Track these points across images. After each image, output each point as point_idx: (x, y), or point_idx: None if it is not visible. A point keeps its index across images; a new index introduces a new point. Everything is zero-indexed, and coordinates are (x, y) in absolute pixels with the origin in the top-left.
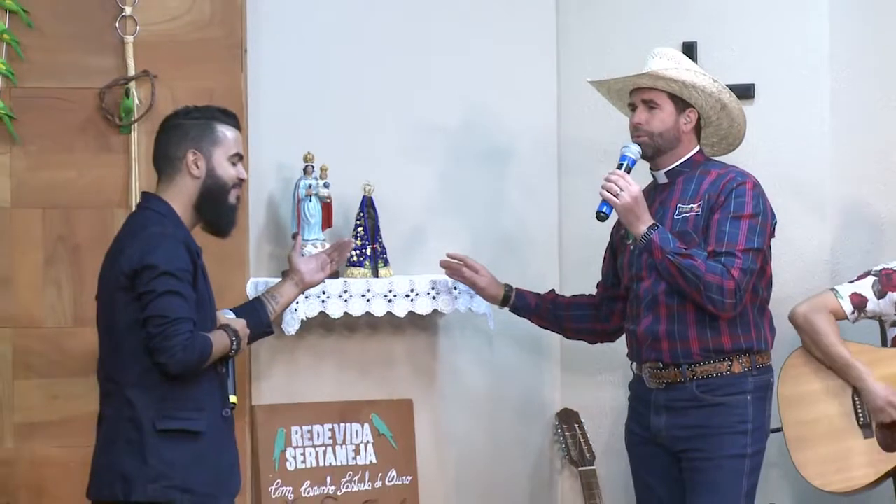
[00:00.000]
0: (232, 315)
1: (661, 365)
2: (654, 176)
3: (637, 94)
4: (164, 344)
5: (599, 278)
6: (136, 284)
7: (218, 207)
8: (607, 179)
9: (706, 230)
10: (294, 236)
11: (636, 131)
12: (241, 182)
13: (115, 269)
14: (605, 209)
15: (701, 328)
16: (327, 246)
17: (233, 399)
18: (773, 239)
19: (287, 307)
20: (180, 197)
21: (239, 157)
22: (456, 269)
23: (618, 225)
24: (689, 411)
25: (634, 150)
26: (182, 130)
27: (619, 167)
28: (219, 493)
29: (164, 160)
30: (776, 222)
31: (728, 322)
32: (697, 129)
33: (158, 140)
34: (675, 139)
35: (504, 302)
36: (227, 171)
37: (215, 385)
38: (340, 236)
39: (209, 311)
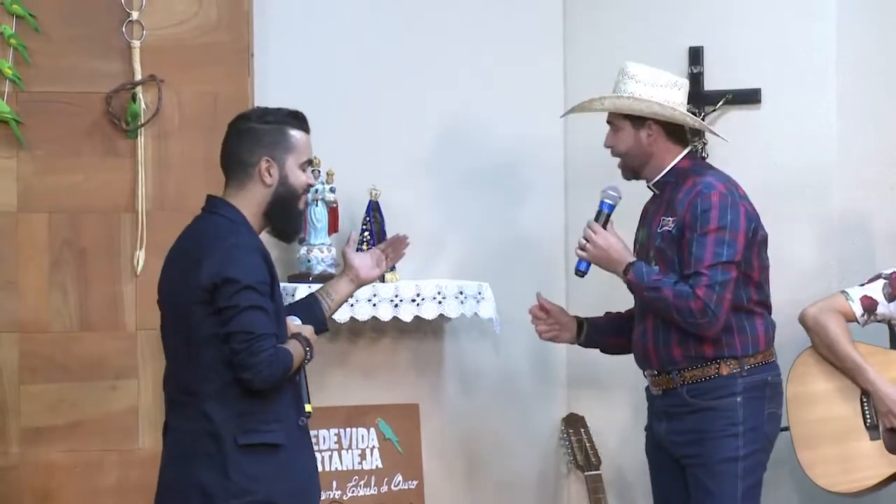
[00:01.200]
0: (298, 321)
1: (656, 373)
2: (650, 189)
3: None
4: (249, 360)
5: (604, 288)
6: (216, 298)
7: (288, 215)
8: (582, 235)
9: (679, 251)
10: (355, 234)
11: (611, 152)
12: (309, 188)
13: (192, 282)
14: (581, 266)
15: (683, 338)
16: (333, 251)
17: (308, 408)
18: (759, 239)
19: (342, 304)
20: (250, 203)
21: (309, 163)
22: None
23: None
24: (685, 416)
25: (611, 194)
26: (255, 136)
27: (597, 216)
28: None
29: (236, 165)
30: (755, 225)
31: None
32: (677, 134)
33: (229, 143)
34: (644, 154)
35: (578, 331)
36: (298, 179)
37: (290, 395)
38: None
39: (283, 319)
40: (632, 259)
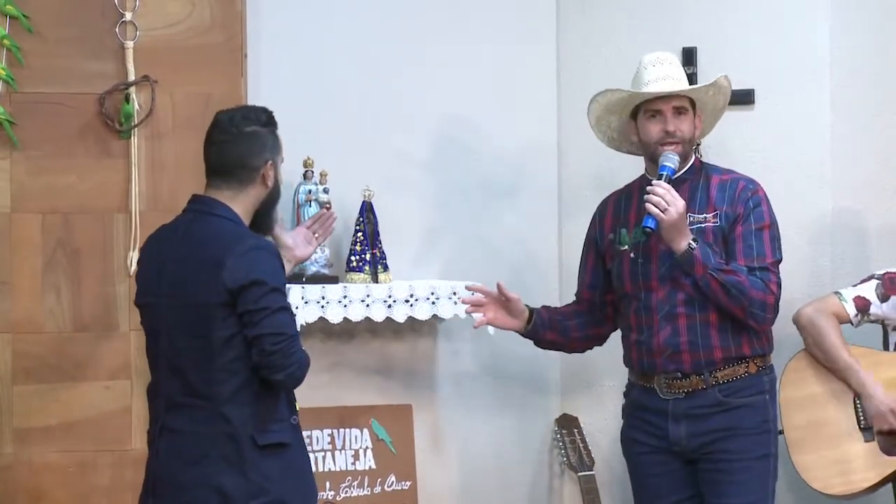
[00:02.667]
0: None
1: (681, 375)
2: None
3: (665, 102)
4: (283, 361)
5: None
6: (240, 300)
7: (273, 214)
8: (653, 192)
9: (726, 243)
10: (282, 215)
11: (670, 138)
12: None
13: (214, 284)
14: (651, 224)
15: (724, 337)
16: (327, 252)
17: (297, 406)
18: None
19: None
20: (245, 205)
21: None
22: (477, 304)
23: (603, 229)
24: (713, 416)
25: (672, 157)
26: (261, 140)
27: (660, 178)
28: (306, 502)
29: (240, 168)
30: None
31: (748, 329)
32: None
33: (234, 147)
34: (692, 144)
35: (528, 322)
36: (281, 179)
37: (285, 395)
38: (340, 242)
39: None
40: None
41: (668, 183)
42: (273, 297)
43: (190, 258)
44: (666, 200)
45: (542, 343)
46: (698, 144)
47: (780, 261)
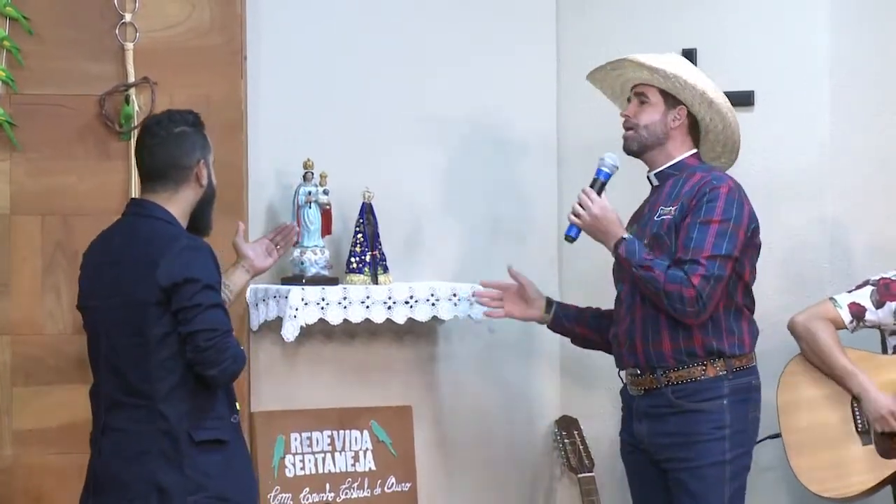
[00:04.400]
0: None
1: (639, 371)
2: (648, 179)
3: (634, 90)
4: (217, 357)
5: (598, 284)
6: (174, 298)
7: (209, 214)
8: (576, 201)
9: (677, 234)
10: (243, 225)
11: (625, 123)
12: None
13: (148, 283)
14: (571, 232)
15: (673, 331)
16: (326, 253)
17: (237, 406)
18: (755, 243)
19: (240, 294)
20: (181, 205)
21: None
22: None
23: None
24: (668, 418)
25: (608, 163)
26: (191, 140)
27: (593, 184)
28: (246, 500)
29: (172, 169)
30: (755, 227)
31: (700, 326)
32: (694, 133)
33: (165, 148)
34: (661, 135)
35: (546, 310)
36: (214, 178)
37: (224, 393)
38: (340, 243)
39: None
40: (625, 234)
41: (602, 186)
42: (206, 294)
43: (125, 260)
44: (582, 204)
45: (577, 339)
46: None
47: (724, 255)
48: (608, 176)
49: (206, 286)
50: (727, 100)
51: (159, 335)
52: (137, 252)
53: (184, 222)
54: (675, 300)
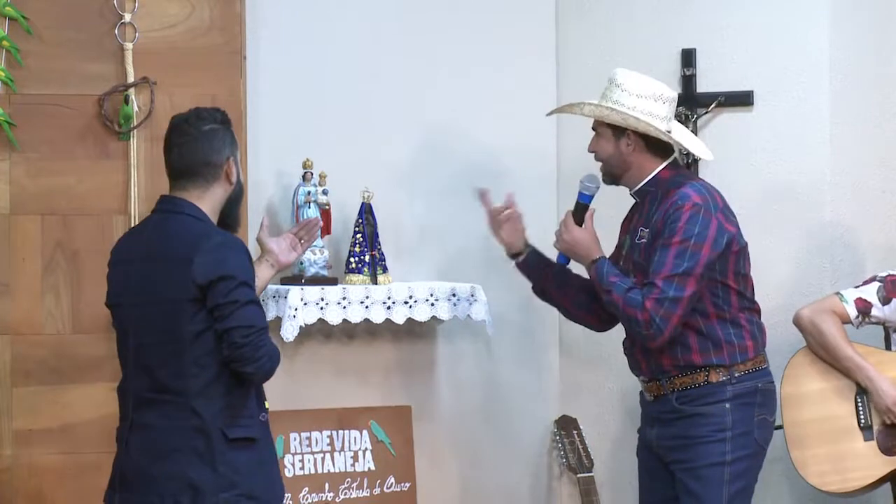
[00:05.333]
0: None
1: (647, 379)
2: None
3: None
4: (254, 354)
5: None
6: (210, 295)
7: (238, 211)
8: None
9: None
10: (267, 220)
11: (594, 156)
12: None
13: (183, 280)
14: (561, 259)
15: (671, 347)
16: (326, 253)
17: (266, 404)
18: (734, 251)
19: (264, 289)
20: (211, 203)
21: None
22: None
23: (622, 226)
24: (674, 422)
25: (588, 185)
26: (220, 137)
27: (575, 208)
28: (273, 498)
29: (202, 167)
30: (730, 237)
31: (697, 339)
32: (660, 145)
33: (194, 146)
34: (623, 163)
35: (520, 253)
36: (241, 175)
37: (255, 391)
38: (339, 243)
39: None
40: (598, 255)
41: (585, 207)
42: (242, 290)
43: (157, 257)
44: (560, 229)
45: (542, 294)
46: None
47: (682, 273)
48: (589, 198)
49: (242, 283)
50: (665, 100)
51: (194, 332)
52: (170, 249)
53: (214, 219)
54: (632, 324)
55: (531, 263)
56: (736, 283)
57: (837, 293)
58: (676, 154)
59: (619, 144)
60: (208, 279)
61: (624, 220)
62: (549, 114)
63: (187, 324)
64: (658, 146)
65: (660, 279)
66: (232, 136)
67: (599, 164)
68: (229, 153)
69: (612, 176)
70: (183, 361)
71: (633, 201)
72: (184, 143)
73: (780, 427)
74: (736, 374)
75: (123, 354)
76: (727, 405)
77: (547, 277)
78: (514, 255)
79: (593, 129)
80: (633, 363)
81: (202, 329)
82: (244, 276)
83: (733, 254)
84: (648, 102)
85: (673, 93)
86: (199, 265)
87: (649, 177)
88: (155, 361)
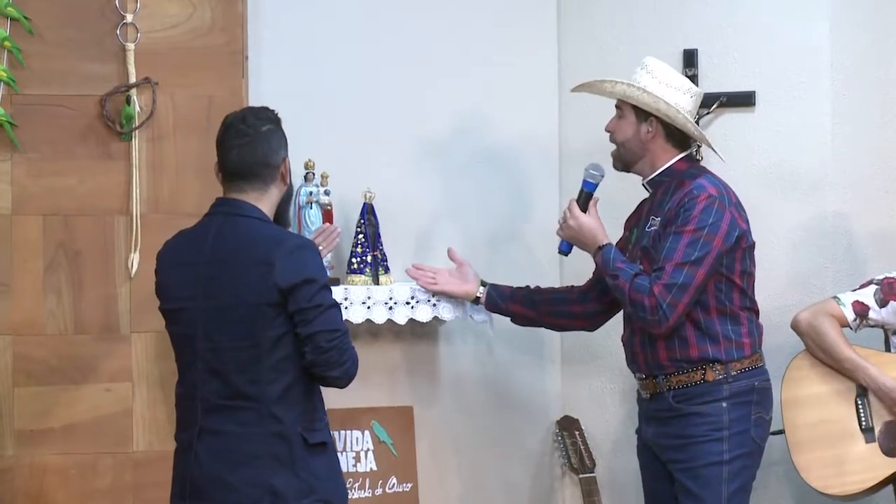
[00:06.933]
0: None
1: (644, 376)
2: (644, 186)
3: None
4: (339, 357)
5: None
6: (292, 299)
7: (288, 211)
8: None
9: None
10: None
11: (610, 137)
12: None
13: (265, 284)
14: (563, 247)
15: (669, 341)
16: (328, 255)
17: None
18: (742, 247)
19: None
20: (269, 204)
21: None
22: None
23: (627, 223)
24: (671, 421)
25: (593, 173)
26: (277, 137)
27: (579, 196)
28: (343, 502)
29: (263, 168)
30: (741, 233)
31: (695, 334)
32: (678, 136)
33: (254, 147)
34: (639, 149)
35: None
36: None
37: (320, 395)
38: (341, 244)
39: None
40: (604, 242)
41: (589, 196)
42: (324, 294)
43: (230, 260)
44: (564, 217)
45: (516, 318)
46: (699, 146)
47: (693, 262)
48: (593, 186)
49: (324, 286)
50: (692, 95)
51: (274, 337)
52: (244, 252)
53: (270, 219)
54: (638, 309)
55: (495, 296)
56: (740, 280)
57: (835, 297)
58: (693, 148)
59: (640, 129)
60: (291, 283)
61: (630, 216)
62: (574, 90)
63: (267, 328)
64: (676, 137)
65: (670, 265)
66: (284, 136)
67: (613, 146)
68: (285, 154)
69: (624, 162)
70: (261, 366)
71: (637, 198)
72: (244, 145)
73: (781, 432)
74: (732, 373)
75: (188, 360)
76: (724, 404)
77: (517, 301)
78: (475, 301)
79: (617, 107)
80: (630, 356)
81: (281, 333)
82: (324, 279)
83: (741, 250)
84: (677, 94)
85: (699, 90)
86: (281, 269)
87: (664, 167)
88: (231, 366)
